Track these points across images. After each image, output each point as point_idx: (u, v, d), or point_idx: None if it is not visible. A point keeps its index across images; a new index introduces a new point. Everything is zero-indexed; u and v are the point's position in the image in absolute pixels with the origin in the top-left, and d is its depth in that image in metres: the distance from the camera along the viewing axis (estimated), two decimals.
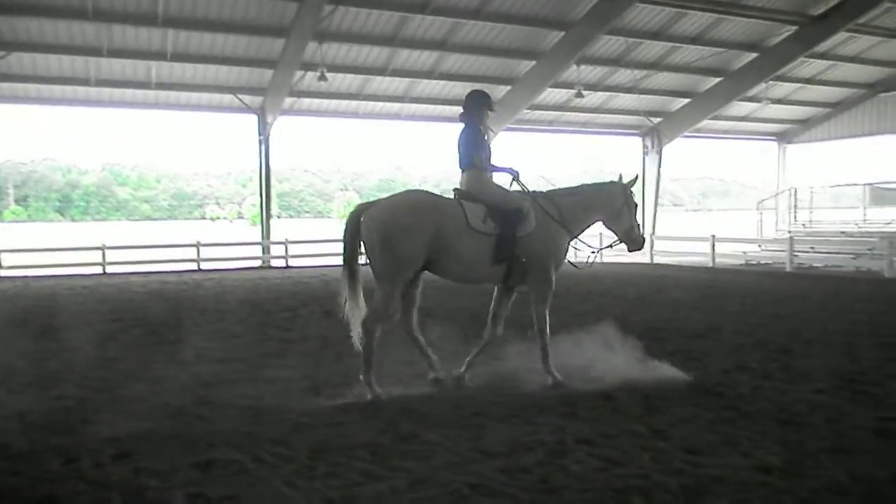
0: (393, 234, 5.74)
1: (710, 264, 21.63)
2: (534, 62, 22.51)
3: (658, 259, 23.74)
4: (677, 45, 22.82)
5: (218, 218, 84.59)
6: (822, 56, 24.62)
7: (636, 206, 6.82)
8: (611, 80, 24.72)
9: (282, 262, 23.69)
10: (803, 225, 26.45)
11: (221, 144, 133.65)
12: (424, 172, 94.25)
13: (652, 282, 16.46)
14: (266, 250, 24.25)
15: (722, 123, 29.37)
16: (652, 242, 22.95)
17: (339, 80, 22.09)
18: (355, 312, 5.97)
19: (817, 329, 8.95)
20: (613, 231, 6.84)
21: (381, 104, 24.34)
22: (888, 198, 23.63)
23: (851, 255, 20.65)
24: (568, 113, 26.61)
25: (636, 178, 6.90)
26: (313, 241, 25.07)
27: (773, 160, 32.60)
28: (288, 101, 22.78)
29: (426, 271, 6.12)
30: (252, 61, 20.75)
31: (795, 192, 27.36)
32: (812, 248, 22.60)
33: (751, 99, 26.71)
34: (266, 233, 24.21)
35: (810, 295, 13.03)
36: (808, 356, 7.29)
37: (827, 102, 29.11)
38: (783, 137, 31.53)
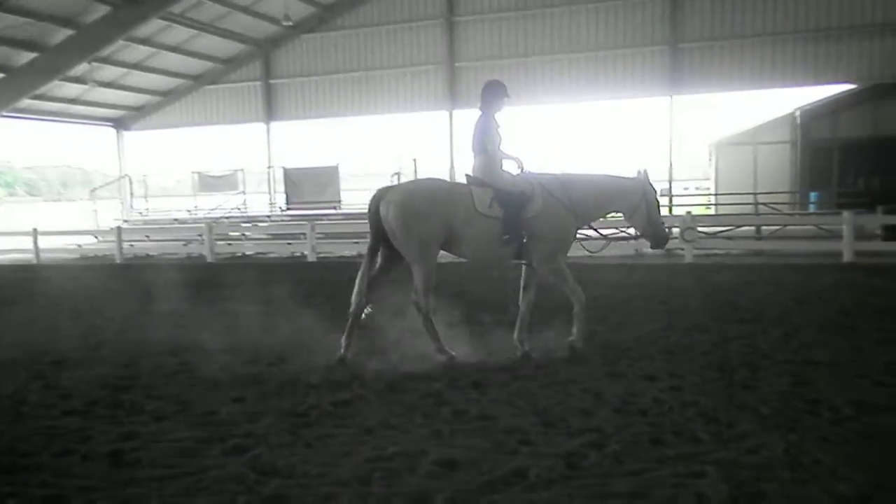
0: (410, 219, 6.10)
1: (35, 260, 19.33)
2: None
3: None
4: None
5: None
6: (145, 42, 24.45)
7: (658, 203, 6.68)
8: None
9: None
10: (140, 213, 26.11)
11: None
12: None
13: None
14: None
15: (50, 105, 26.79)
16: None
17: None
18: (361, 282, 6.35)
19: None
20: (633, 226, 6.78)
21: None
22: (214, 185, 25.01)
23: (183, 242, 21.03)
24: None
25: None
26: None
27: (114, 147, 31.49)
28: None
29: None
30: None
31: (130, 179, 26.79)
32: (147, 236, 22.37)
33: (79, 80, 24.94)
34: None
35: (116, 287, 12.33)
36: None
37: (158, 90, 29.28)
38: (120, 123, 30.64)
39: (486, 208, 6.26)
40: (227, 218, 23.95)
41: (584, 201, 6.51)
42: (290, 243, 19.65)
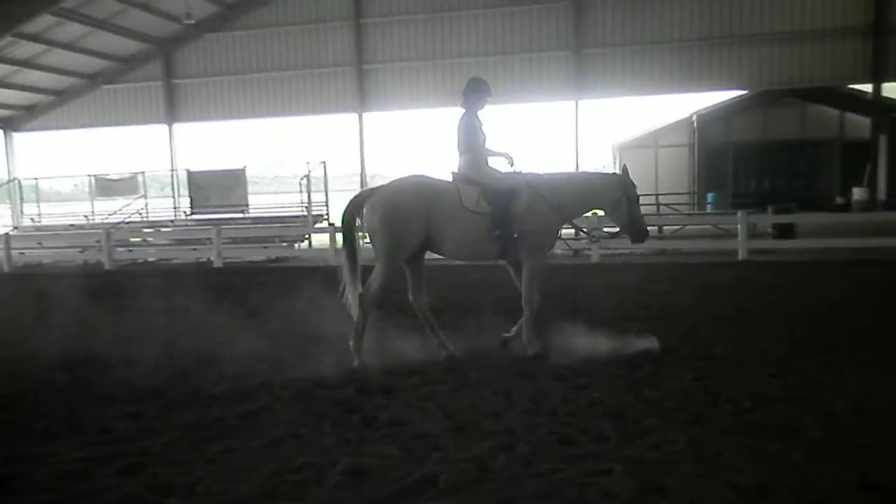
0: (394, 217, 6.17)
1: None
2: None
3: None
4: None
5: None
6: (35, 38, 23.13)
7: (638, 198, 6.77)
8: None
9: None
10: (31, 219, 24.69)
11: None
12: None
13: None
14: None
15: None
16: None
17: None
18: (353, 291, 6.32)
19: None
20: (614, 222, 6.83)
21: None
22: (113, 189, 23.91)
23: (79, 249, 20.00)
24: None
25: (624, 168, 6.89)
26: None
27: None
28: None
29: (427, 251, 6.44)
30: None
31: (20, 184, 25.30)
32: (40, 243, 21.17)
33: None
34: None
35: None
36: None
37: (51, 89, 27.74)
38: (8, 124, 28.84)
39: (474, 205, 6.28)
40: (127, 223, 22.90)
41: (568, 199, 6.57)
42: (195, 249, 19.02)
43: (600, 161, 34.68)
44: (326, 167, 22.32)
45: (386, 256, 6.26)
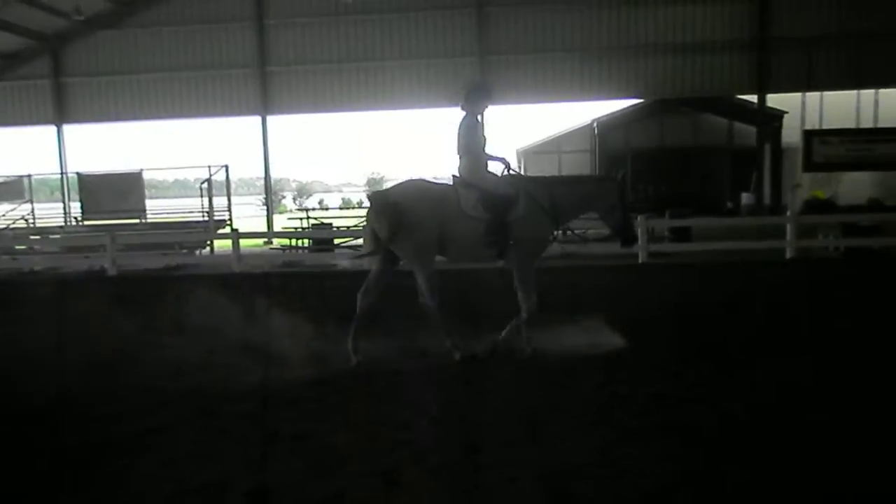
0: (404, 223, 6.18)
1: None
2: None
3: None
4: None
5: None
6: None
7: (629, 202, 6.92)
8: None
9: None
10: None
11: None
12: None
13: None
14: None
15: None
16: None
17: None
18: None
19: None
20: (607, 224, 6.91)
21: None
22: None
23: None
24: None
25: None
26: None
27: None
28: None
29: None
30: None
31: None
32: None
33: None
34: None
35: None
36: None
37: None
38: None
39: (471, 209, 6.33)
40: (11, 230, 21.49)
41: (564, 203, 6.64)
42: (87, 256, 18.03)
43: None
44: (229, 171, 21.69)
45: (415, 261, 6.39)
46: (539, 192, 6.57)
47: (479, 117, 6.65)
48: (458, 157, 6.63)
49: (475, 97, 6.62)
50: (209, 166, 20.98)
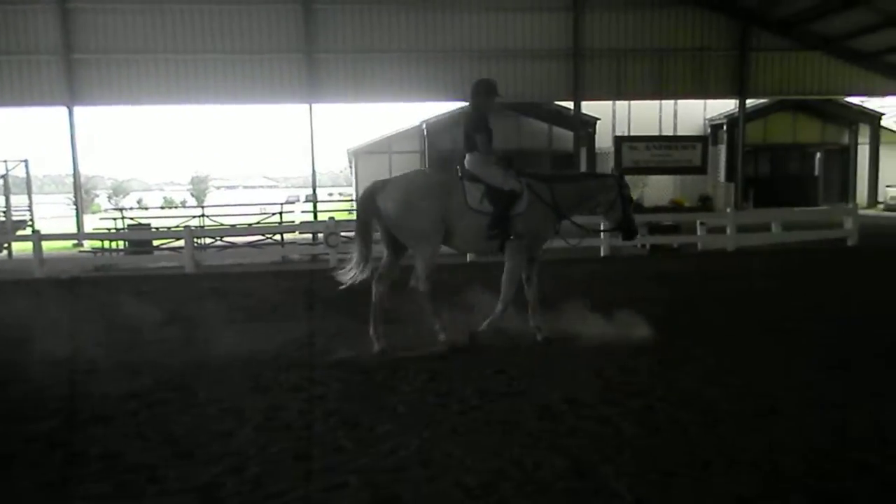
0: (409, 213, 6.34)
1: None
2: None
3: None
4: None
5: None
6: None
7: (631, 199, 7.11)
8: None
9: None
10: None
11: None
12: None
13: None
14: None
15: None
16: None
17: None
18: (359, 274, 6.55)
19: None
20: (608, 220, 7.21)
21: None
22: None
23: None
24: None
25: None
26: None
27: None
28: None
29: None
30: None
31: None
32: None
33: None
34: None
35: None
36: None
37: None
38: None
39: (477, 203, 6.48)
40: None
41: (566, 199, 6.82)
42: None
43: (337, 165, 34.97)
44: (29, 166, 19.79)
45: (417, 247, 6.50)
46: (542, 189, 6.76)
47: (486, 114, 6.78)
48: (465, 152, 6.81)
49: (482, 93, 6.75)
50: (5, 161, 19.03)
